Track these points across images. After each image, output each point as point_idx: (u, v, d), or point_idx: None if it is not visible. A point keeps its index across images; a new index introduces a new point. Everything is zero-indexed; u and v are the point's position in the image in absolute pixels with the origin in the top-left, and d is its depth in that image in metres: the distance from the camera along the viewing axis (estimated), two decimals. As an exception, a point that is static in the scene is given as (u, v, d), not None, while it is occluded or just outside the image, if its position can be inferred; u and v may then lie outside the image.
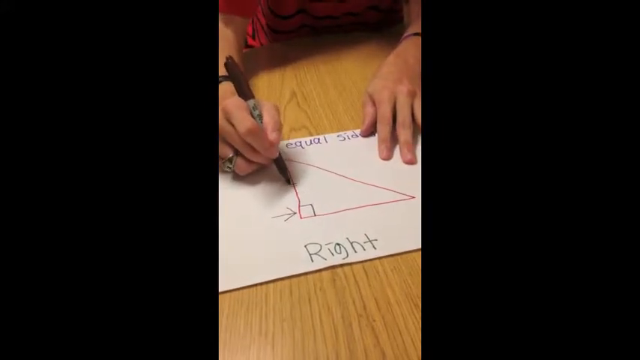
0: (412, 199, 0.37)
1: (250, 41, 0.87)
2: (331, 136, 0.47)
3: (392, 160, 0.43)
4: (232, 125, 0.37)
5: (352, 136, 0.47)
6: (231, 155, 0.38)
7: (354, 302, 0.28)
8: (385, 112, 0.45)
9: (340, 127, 0.49)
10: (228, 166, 0.39)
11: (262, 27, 0.83)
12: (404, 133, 0.43)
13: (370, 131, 0.46)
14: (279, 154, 0.39)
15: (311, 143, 0.46)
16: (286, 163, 0.43)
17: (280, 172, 0.40)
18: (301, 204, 0.37)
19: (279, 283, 0.30)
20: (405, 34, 0.58)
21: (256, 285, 0.30)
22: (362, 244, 0.33)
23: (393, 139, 0.44)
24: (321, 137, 0.47)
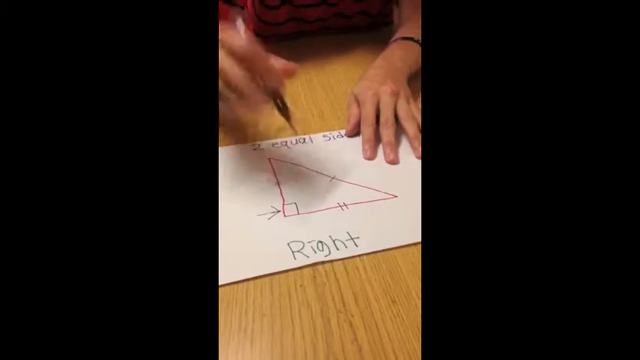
0: (394, 198, 0.37)
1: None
2: (317, 136, 0.48)
3: (375, 160, 0.43)
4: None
5: (337, 136, 0.48)
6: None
7: (333, 298, 0.29)
8: (368, 112, 0.45)
9: (326, 128, 0.50)
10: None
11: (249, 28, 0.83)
12: (386, 134, 0.44)
13: (355, 131, 0.47)
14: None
15: (297, 143, 0.47)
16: (272, 162, 0.43)
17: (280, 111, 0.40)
18: (285, 202, 0.38)
19: (259, 279, 0.30)
20: (394, 38, 0.59)
21: (237, 282, 0.30)
22: (344, 241, 0.33)
23: (377, 139, 0.45)
24: (307, 137, 0.48)
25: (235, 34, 0.35)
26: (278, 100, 0.39)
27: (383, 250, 0.32)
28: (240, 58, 0.35)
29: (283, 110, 0.40)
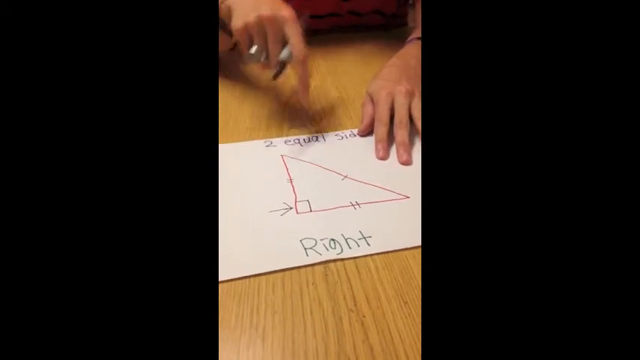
0: (406, 199, 0.37)
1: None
2: (329, 135, 0.48)
3: (388, 160, 0.43)
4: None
5: (350, 135, 0.48)
6: (256, 48, 0.45)
7: (344, 297, 0.29)
8: (382, 112, 0.45)
9: (339, 127, 0.50)
10: (257, 59, 0.46)
11: None
12: (400, 134, 0.43)
13: (368, 131, 0.47)
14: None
15: (309, 141, 0.47)
16: (285, 159, 0.43)
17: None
18: (298, 199, 0.38)
19: (271, 275, 0.30)
20: (409, 38, 0.58)
21: (249, 277, 0.30)
22: (356, 240, 0.33)
23: (390, 138, 0.45)
24: (320, 135, 0.48)
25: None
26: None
27: (395, 251, 0.32)
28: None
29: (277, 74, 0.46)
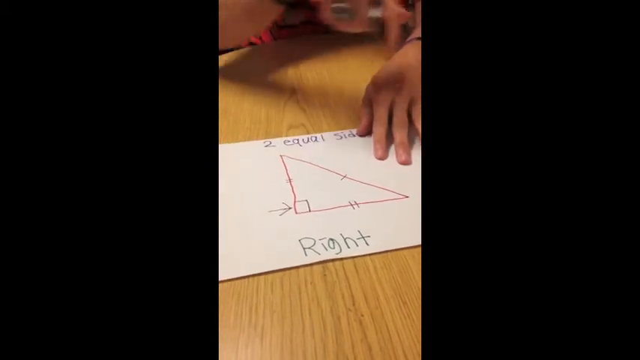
0: (405, 199, 0.37)
1: (253, 38, 0.87)
2: (328, 135, 0.48)
3: (387, 160, 0.43)
4: None
5: (349, 135, 0.48)
6: (342, 5, 0.41)
7: (343, 297, 0.29)
8: (381, 112, 0.45)
9: (338, 127, 0.50)
10: (345, 15, 0.42)
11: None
12: (399, 134, 0.44)
13: (367, 131, 0.47)
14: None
15: (308, 141, 0.47)
16: (284, 159, 0.43)
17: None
18: (297, 199, 0.38)
19: (270, 275, 0.30)
20: (409, 39, 0.58)
21: (248, 276, 0.30)
22: (355, 240, 0.33)
23: (390, 139, 0.45)
24: (319, 135, 0.48)
25: None
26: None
27: (394, 250, 0.32)
28: None
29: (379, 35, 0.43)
